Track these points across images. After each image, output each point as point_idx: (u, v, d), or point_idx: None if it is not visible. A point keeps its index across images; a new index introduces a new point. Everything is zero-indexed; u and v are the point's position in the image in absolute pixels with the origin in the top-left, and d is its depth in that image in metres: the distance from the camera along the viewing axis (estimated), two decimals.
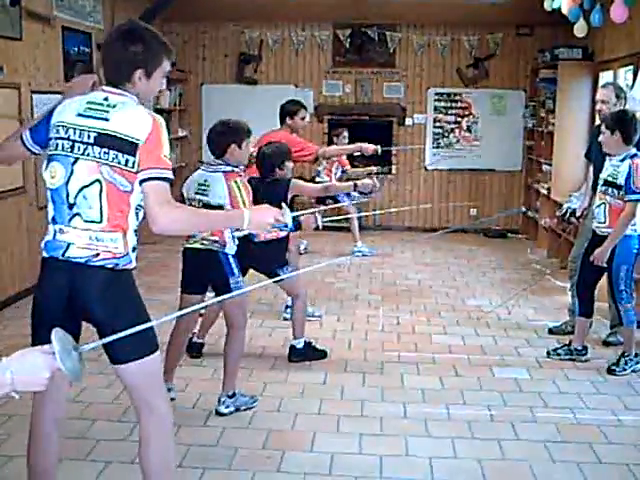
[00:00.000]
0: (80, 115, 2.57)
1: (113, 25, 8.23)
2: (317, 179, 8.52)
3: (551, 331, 5.71)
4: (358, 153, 6.89)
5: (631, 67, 7.24)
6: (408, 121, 10.24)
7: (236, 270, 4.07)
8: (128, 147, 2.49)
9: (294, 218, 3.26)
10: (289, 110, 5.97)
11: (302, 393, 4.50)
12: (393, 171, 10.15)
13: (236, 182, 3.97)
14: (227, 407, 4.14)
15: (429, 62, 10.11)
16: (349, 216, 8.27)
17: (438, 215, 10.37)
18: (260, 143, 5.36)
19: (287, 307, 5.70)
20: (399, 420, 4.15)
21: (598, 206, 4.83)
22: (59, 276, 2.59)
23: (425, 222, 10.34)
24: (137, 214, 2.60)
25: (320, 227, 2.79)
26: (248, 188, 4.05)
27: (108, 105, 2.57)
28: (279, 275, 4.82)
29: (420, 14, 9.57)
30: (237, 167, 4.09)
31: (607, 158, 4.89)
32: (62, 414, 2.83)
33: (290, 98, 6.34)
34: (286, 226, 3.05)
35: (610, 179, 4.74)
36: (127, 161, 2.49)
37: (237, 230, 2.71)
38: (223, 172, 4.00)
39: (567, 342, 5.20)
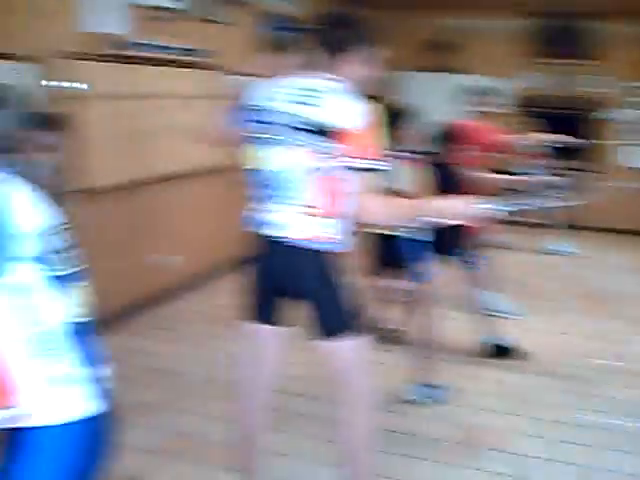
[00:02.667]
0: (290, 101, 2.59)
1: (312, 10, 8.38)
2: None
3: None
4: (549, 143, 6.62)
5: None
6: (609, 115, 9.69)
7: (424, 257, 4.06)
8: (336, 135, 2.48)
9: None
10: (476, 97, 5.82)
11: (495, 390, 4.42)
12: (593, 168, 9.63)
13: (409, 167, 3.96)
14: (421, 396, 4.15)
15: (638, 55, 9.46)
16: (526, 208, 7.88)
17: None
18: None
19: (482, 304, 5.56)
20: (599, 431, 3.96)
21: None
22: (273, 252, 2.68)
23: (637, 224, 9.69)
24: (347, 200, 2.59)
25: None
26: (423, 174, 4.02)
27: (317, 91, 2.56)
28: (468, 260, 4.74)
29: (630, 3, 8.92)
30: (412, 152, 4.05)
31: None
32: (273, 382, 2.96)
33: (477, 84, 6.12)
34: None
35: None
36: (334, 149, 2.48)
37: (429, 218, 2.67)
38: (396, 157, 3.97)
39: None
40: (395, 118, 4.06)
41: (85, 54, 4.86)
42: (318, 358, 4.50)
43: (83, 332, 1.73)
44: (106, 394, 1.78)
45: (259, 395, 2.91)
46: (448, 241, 4.53)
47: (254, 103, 2.72)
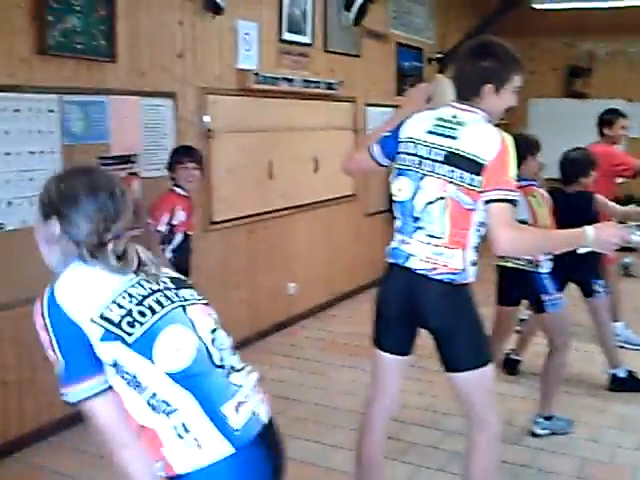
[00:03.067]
0: (430, 132, 2.62)
1: (444, 40, 8.45)
2: None
3: None
4: None
5: None
6: None
7: (551, 288, 3.97)
8: (474, 167, 2.49)
9: None
10: (606, 120, 5.67)
11: (622, 425, 4.25)
12: None
13: (534, 196, 3.87)
14: (542, 429, 4.05)
15: None
16: None
17: None
18: None
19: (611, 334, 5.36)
20: None
21: None
22: (400, 282, 2.71)
23: None
24: (478, 231, 2.59)
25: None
26: (548, 201, 3.93)
27: (457, 122, 2.59)
28: (595, 289, 4.60)
29: None
30: (533, 181, 3.97)
31: None
32: (395, 410, 2.97)
33: (609, 107, 5.92)
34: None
35: None
36: (472, 180, 2.50)
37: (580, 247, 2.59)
38: (520, 187, 3.89)
39: None
40: (520, 147, 3.98)
41: (216, 89, 5.10)
42: (433, 387, 4.55)
43: (189, 377, 1.70)
44: (246, 426, 1.75)
45: (382, 422, 2.91)
46: (578, 270, 4.44)
47: (394, 134, 2.77)
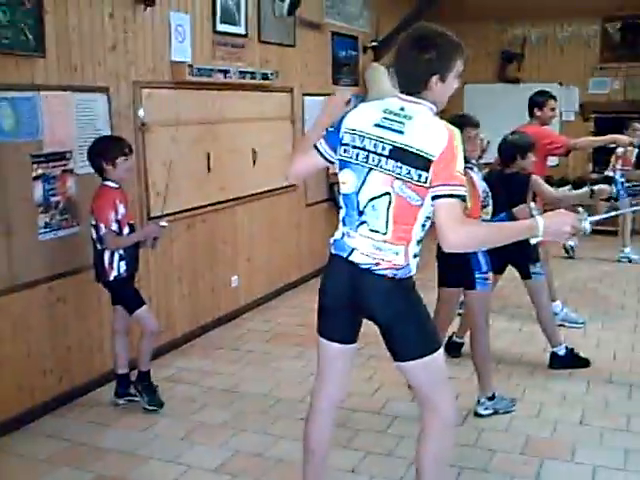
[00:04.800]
0: (377, 125, 2.57)
1: (378, 28, 8.49)
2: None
3: None
4: (613, 145, 6.47)
5: None
6: None
7: (484, 266, 4.03)
8: (421, 162, 2.45)
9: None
10: (537, 101, 5.80)
11: (563, 401, 4.36)
12: None
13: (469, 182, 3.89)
14: (486, 409, 4.13)
15: None
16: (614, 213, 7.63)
17: None
18: None
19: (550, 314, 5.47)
20: None
21: None
22: (344, 275, 2.68)
23: None
24: (424, 225, 2.58)
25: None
26: (475, 184, 3.95)
27: (404, 116, 2.53)
28: (532, 271, 4.70)
29: None
30: (468, 163, 3.87)
31: None
32: (341, 397, 2.95)
33: (539, 89, 6.03)
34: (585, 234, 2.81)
35: None
36: (420, 176, 2.46)
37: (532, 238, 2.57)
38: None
39: None
40: (462, 125, 3.94)
41: (150, 82, 5.03)
42: (379, 374, 4.56)
43: None
44: None
45: (328, 411, 2.91)
46: (516, 253, 4.46)
47: (338, 127, 2.71)
